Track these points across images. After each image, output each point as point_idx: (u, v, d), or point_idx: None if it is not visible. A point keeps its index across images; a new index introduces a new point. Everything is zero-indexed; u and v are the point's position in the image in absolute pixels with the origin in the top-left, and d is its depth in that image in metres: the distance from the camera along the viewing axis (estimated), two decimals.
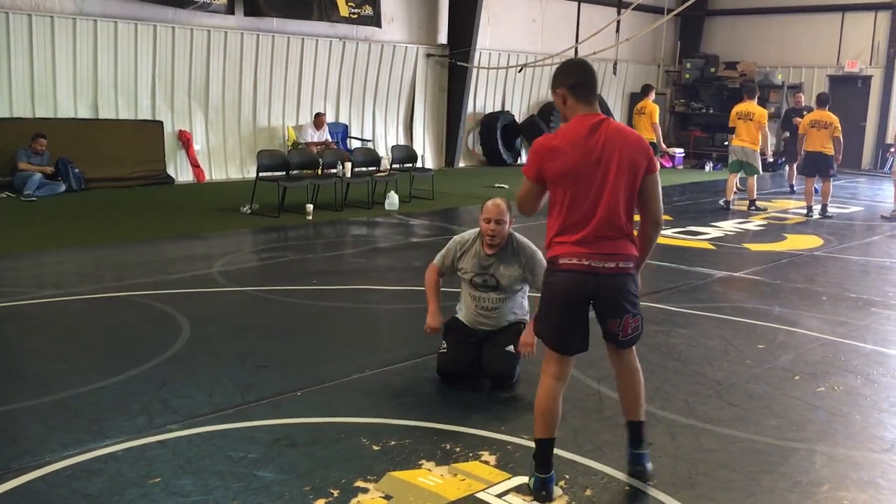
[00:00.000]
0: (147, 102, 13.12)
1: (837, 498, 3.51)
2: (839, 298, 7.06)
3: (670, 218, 11.27)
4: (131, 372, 4.76)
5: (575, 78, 3.35)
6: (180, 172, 13.50)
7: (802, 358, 5.40)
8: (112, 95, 12.72)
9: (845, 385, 4.92)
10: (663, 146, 13.62)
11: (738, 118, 12.23)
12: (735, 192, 12.67)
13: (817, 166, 11.87)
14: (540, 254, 4.64)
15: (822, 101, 11.96)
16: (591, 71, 3.42)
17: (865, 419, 4.42)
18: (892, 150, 13.11)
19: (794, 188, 14.88)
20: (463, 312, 4.88)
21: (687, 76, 21.19)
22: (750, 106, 12.19)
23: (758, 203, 12.43)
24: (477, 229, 4.75)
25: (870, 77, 19.37)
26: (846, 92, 19.19)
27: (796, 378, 5.00)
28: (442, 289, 4.90)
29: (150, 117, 13.13)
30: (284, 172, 11.12)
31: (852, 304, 6.87)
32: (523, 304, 4.86)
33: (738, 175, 12.74)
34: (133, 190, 12.25)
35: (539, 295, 3.54)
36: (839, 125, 11.73)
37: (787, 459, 3.83)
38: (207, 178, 13.74)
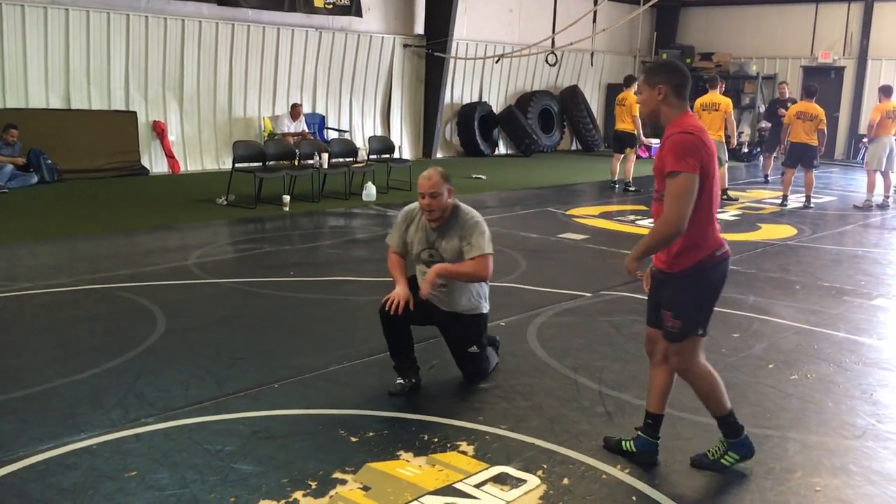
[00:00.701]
0: (120, 93, 12.97)
1: (810, 484, 3.56)
2: (812, 287, 7.15)
3: (645, 208, 11.35)
4: (106, 365, 4.72)
5: (678, 78, 3.50)
6: (155, 163, 13.37)
7: (776, 346, 5.46)
8: (84, 85, 12.56)
9: (818, 373, 4.98)
10: (643, 138, 13.69)
11: (703, 109, 12.25)
12: None
13: (800, 157, 11.97)
14: (483, 223, 4.44)
15: (809, 92, 11.99)
16: (688, 72, 3.63)
17: (838, 406, 4.48)
18: (865, 140, 13.26)
19: (769, 178, 15.03)
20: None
21: None
22: (714, 96, 12.25)
23: (729, 192, 12.53)
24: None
25: (843, 68, 19.58)
26: (819, 83, 19.23)
27: (770, 366, 5.06)
28: None
29: (123, 108, 12.99)
30: (261, 163, 11.05)
31: (825, 293, 6.95)
32: (481, 290, 4.57)
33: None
34: (107, 181, 12.12)
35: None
36: (824, 118, 11.85)
37: (761, 446, 3.87)
38: (182, 169, 13.62)
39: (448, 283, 4.45)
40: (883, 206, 12.14)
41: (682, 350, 3.55)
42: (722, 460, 3.63)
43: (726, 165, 12.45)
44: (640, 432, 3.76)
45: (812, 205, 11.98)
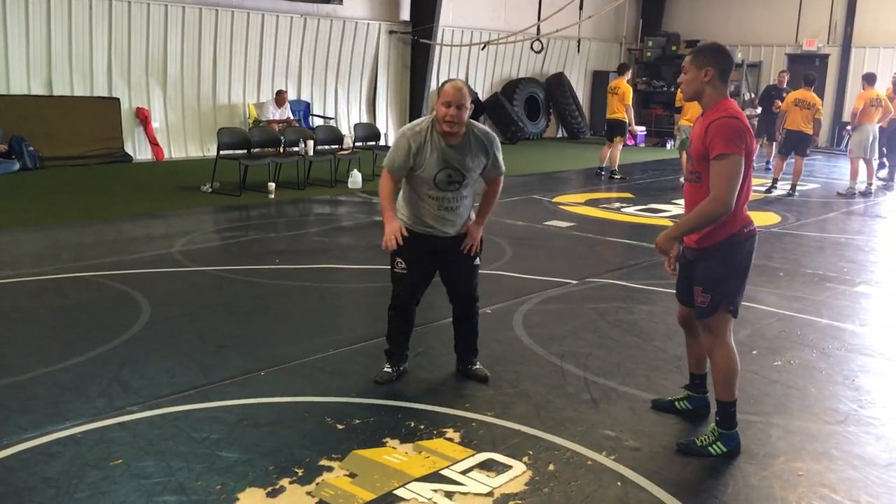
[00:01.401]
0: (103, 79, 12.85)
1: (793, 469, 3.60)
2: (796, 274, 7.20)
3: (632, 195, 11.37)
4: (90, 353, 4.69)
5: (725, 62, 3.61)
6: (138, 150, 13.28)
7: (760, 333, 5.50)
8: (67, 72, 12.44)
9: (801, 359, 5.02)
10: (633, 126, 13.73)
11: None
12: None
13: (795, 145, 12.02)
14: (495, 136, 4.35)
15: (808, 81, 12.00)
16: (733, 58, 3.75)
17: (820, 392, 4.53)
18: (849, 128, 13.34)
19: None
20: (412, 216, 4.28)
21: (648, 54, 21.30)
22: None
23: None
24: (427, 118, 4.20)
25: (827, 56, 19.66)
26: (804, 70, 19.41)
27: (754, 352, 5.09)
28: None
29: (106, 94, 12.88)
30: (246, 150, 10.98)
31: (808, 280, 7.00)
32: (473, 197, 4.43)
33: None
34: (90, 168, 12.03)
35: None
36: (821, 107, 11.90)
37: (745, 432, 3.90)
38: (167, 156, 13.53)
39: (462, 204, 4.27)
40: (866, 194, 12.22)
41: (712, 325, 3.69)
42: (710, 448, 3.70)
43: None
44: (689, 392, 4.10)
45: (796, 193, 12.05)
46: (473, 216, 4.43)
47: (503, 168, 4.37)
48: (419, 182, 4.19)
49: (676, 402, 4.13)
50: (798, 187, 12.22)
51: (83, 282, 6.24)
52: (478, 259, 4.47)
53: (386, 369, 4.46)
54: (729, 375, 3.71)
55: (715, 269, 3.61)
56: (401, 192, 4.36)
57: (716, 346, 3.71)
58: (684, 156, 12.44)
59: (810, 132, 11.89)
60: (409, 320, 4.51)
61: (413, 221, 4.27)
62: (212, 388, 4.26)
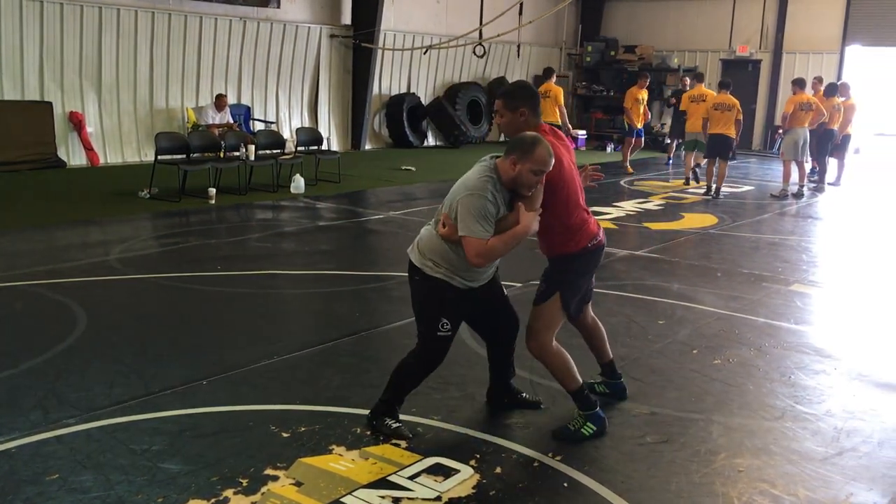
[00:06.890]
0: (34, 82, 12.48)
1: (733, 465, 3.68)
2: (733, 274, 7.37)
3: None
4: (24, 365, 4.54)
5: (535, 98, 3.86)
6: (73, 156, 12.93)
7: (700, 332, 5.62)
8: None
9: (739, 357, 5.14)
10: (570, 128, 13.98)
11: (691, 101, 13.23)
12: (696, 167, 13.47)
13: (719, 148, 12.29)
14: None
15: (724, 85, 12.37)
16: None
17: (758, 389, 4.64)
18: (781, 131, 13.75)
19: (671, 161, 16.39)
20: (461, 273, 3.75)
21: (588, 59, 21.60)
22: (701, 89, 13.28)
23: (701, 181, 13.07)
24: (484, 166, 3.65)
25: (759, 61, 20.21)
26: (737, 75, 19.93)
27: (694, 352, 5.20)
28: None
29: (38, 98, 12.50)
30: (185, 155, 10.78)
31: (745, 280, 7.18)
32: None
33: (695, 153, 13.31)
34: (21, 174, 11.66)
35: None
36: (740, 108, 12.22)
37: (687, 430, 3.98)
38: (102, 161, 13.21)
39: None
40: (798, 195, 12.58)
41: (539, 320, 3.93)
42: (582, 430, 3.88)
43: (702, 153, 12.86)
44: (605, 378, 4.43)
45: (720, 196, 12.19)
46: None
47: None
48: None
49: (596, 385, 4.38)
50: (733, 189, 12.52)
51: (15, 291, 6.04)
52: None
53: (395, 424, 3.87)
54: (566, 368, 3.88)
55: (556, 269, 3.97)
56: (439, 252, 3.73)
57: (543, 351, 3.86)
58: (691, 156, 13.10)
59: (733, 135, 12.19)
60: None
61: (462, 279, 3.78)
62: (152, 398, 4.17)
